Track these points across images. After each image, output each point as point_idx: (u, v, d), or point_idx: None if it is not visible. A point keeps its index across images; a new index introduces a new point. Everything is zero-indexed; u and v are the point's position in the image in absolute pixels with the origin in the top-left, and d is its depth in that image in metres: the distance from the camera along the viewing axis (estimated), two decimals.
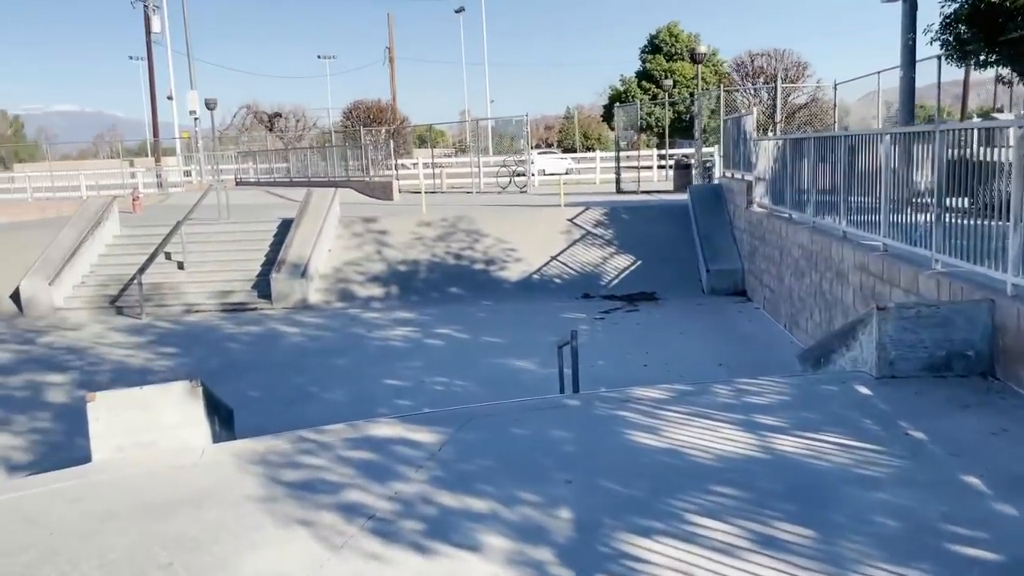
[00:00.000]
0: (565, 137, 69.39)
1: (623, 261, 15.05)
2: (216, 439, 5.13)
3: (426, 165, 32.24)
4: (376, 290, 15.03)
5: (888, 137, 7.48)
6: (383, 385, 9.45)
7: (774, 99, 20.12)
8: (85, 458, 7.14)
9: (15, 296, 14.79)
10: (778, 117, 18.48)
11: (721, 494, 3.84)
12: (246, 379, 9.96)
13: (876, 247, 7.71)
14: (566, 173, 36.77)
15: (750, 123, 13.55)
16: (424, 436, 4.82)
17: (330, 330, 12.70)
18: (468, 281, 14.98)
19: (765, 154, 12.43)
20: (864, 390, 5.28)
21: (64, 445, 7.79)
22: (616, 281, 14.55)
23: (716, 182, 17.65)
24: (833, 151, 9.10)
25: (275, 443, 4.85)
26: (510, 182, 26.18)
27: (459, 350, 11.08)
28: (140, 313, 14.18)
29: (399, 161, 30.82)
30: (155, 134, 40.70)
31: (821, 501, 3.75)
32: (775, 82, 21.36)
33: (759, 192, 12.98)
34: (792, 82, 27.19)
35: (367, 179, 26.86)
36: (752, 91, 27.29)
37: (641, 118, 26.41)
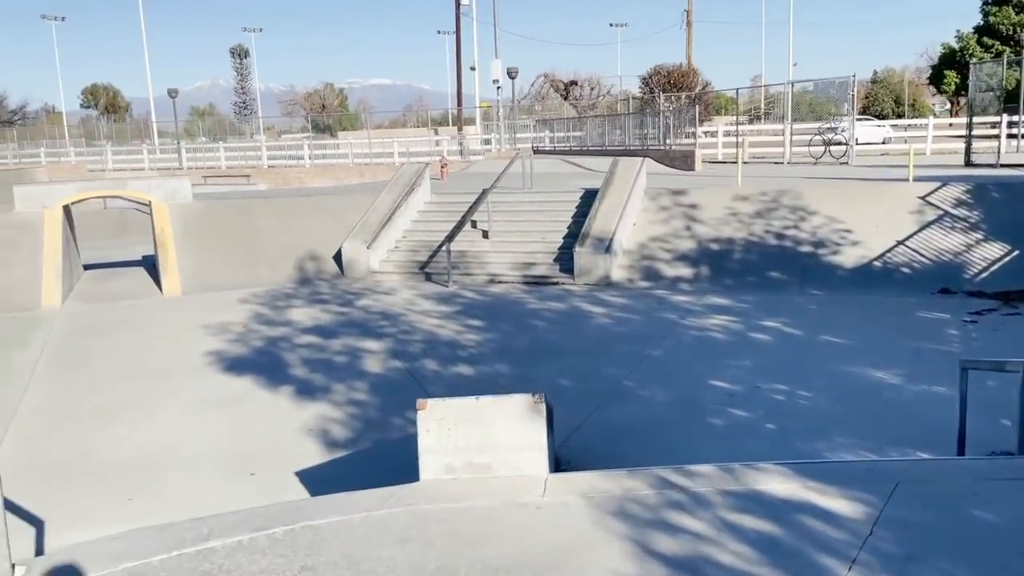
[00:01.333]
0: (873, 103, 62.62)
1: (993, 250, 12.29)
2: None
3: (727, 133, 30.15)
4: (684, 270, 13.72)
5: None
6: (709, 387, 8.17)
7: None
8: (402, 447, 6.69)
9: (337, 257, 15.52)
10: None
11: None
12: (555, 364, 9.22)
13: None
14: (883, 142, 32.57)
15: None
16: (838, 504, 3.48)
17: (637, 313, 11.65)
18: (791, 265, 13.13)
19: None
20: None
21: (379, 424, 7.50)
22: (984, 275, 11.90)
23: None
24: None
25: (631, 484, 3.79)
26: (824, 152, 23.41)
27: (793, 349, 9.46)
28: (447, 281, 14.17)
29: (698, 129, 29.04)
30: (459, 103, 42.47)
31: None
32: None
33: None
34: None
35: (666, 148, 25.48)
36: None
37: (983, 79, 21.94)
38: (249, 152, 41.36)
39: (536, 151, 34.82)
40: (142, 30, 57.38)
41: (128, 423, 7.64)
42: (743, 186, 15.61)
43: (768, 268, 13.22)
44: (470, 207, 15.97)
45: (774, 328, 10.35)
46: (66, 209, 14.63)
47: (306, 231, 15.97)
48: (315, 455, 6.82)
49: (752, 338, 9.99)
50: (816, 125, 25.95)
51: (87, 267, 15.96)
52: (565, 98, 46.86)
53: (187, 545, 3.35)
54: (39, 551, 5.22)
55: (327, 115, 62.63)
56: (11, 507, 5.72)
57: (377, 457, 6.75)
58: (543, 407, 3.92)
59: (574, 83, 48.37)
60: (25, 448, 7.05)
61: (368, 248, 15.27)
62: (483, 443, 3.92)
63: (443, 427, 3.93)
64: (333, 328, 11.33)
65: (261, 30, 79.26)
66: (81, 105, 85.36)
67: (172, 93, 40.59)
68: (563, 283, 13.84)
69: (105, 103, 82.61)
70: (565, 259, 14.30)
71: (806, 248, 13.39)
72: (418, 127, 60.51)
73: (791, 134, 24.90)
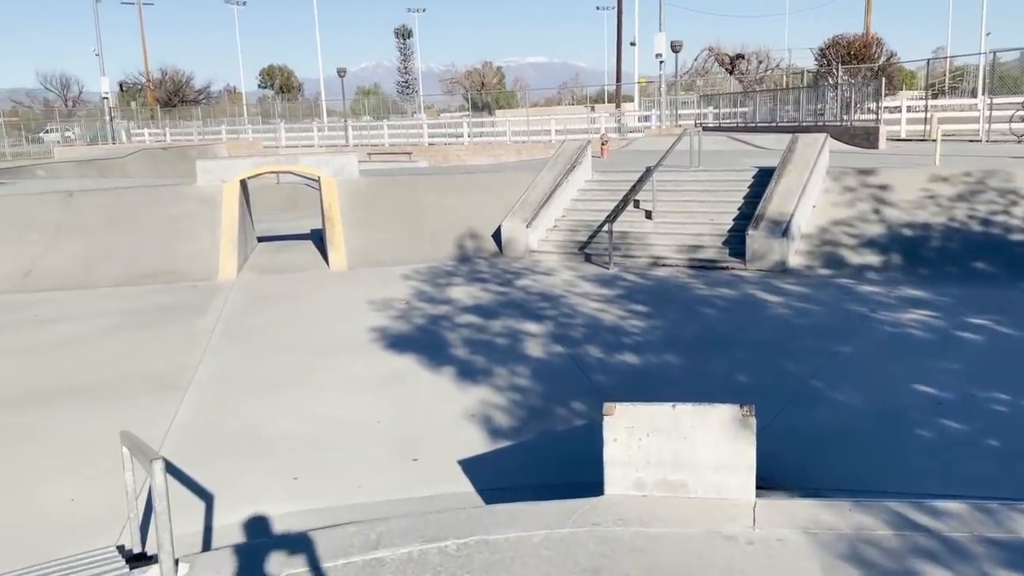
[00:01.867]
0: None
1: None
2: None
3: (911, 109, 27.68)
4: (871, 257, 12.48)
5: None
6: (911, 392, 7.21)
7: None
8: (568, 441, 6.27)
9: (496, 235, 15.32)
10: None
11: None
12: (729, 357, 8.49)
13: None
14: None
15: None
16: None
17: (819, 303, 10.65)
18: (1001, 255, 11.63)
19: None
20: None
21: (543, 413, 7.11)
22: None
23: None
24: None
25: (863, 520, 3.15)
26: None
27: (1012, 352, 8.25)
28: (608, 263, 13.63)
29: (881, 104, 26.78)
30: (618, 79, 41.50)
31: None
32: None
33: None
34: None
35: (845, 124, 23.62)
36: None
37: None
38: (411, 130, 42.32)
39: (701, 128, 33.41)
40: (314, 13, 59.99)
41: (295, 397, 7.67)
42: (941, 166, 14.04)
43: (972, 258, 11.79)
44: (632, 186, 15.34)
45: (985, 327, 9.11)
46: (243, 183, 15.23)
47: (466, 208, 15.87)
48: (477, 443, 6.52)
49: (959, 337, 8.83)
50: (1018, 100, 23.30)
51: (260, 239, 16.62)
52: (730, 72, 44.72)
53: (354, 553, 3.05)
54: (207, 527, 5.20)
55: (485, 93, 63.28)
56: (184, 479, 5.77)
57: (541, 450, 6.38)
58: (753, 421, 3.34)
59: (740, 56, 46.06)
60: (198, 418, 7.19)
61: (527, 227, 14.96)
62: (679, 458, 3.40)
63: (633, 437, 3.44)
64: (493, 308, 11.09)
65: (424, 10, 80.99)
66: (258, 85, 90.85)
67: (341, 72, 42.11)
68: (733, 268, 12.96)
69: (280, 83, 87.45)
70: (735, 242, 13.40)
71: (1019, 236, 11.82)
72: (573, 105, 59.98)
73: (990, 109, 22.44)
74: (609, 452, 3.49)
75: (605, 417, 3.48)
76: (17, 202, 14.89)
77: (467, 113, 53.15)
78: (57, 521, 5.30)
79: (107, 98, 47.75)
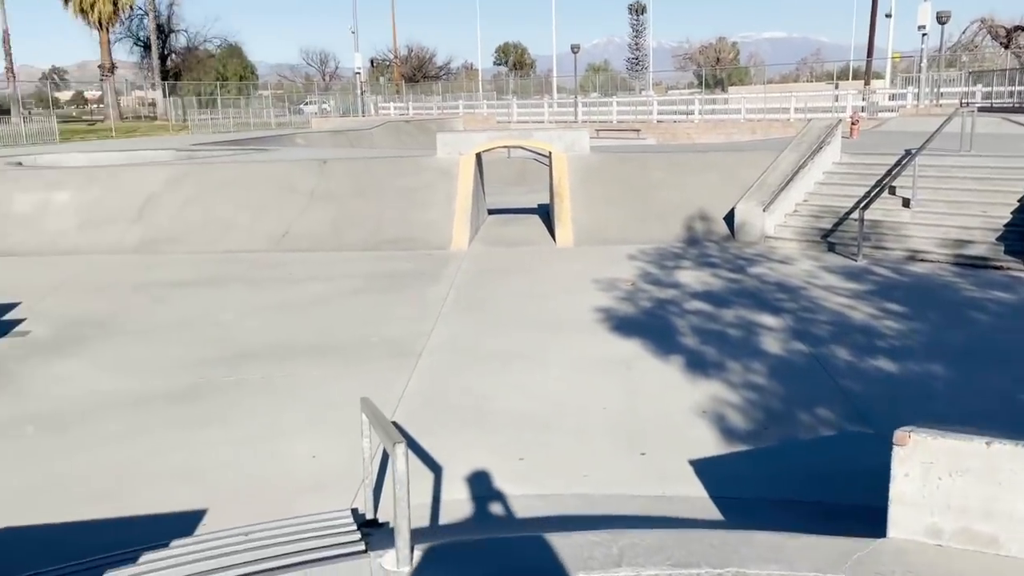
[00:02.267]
0: None
1: None
2: None
3: None
4: None
5: None
6: None
7: None
8: (814, 453, 5.65)
9: (728, 218, 14.50)
10: None
11: None
12: (1008, 373, 7.33)
13: None
14: None
15: None
16: None
17: None
18: None
19: None
20: None
21: (783, 417, 6.49)
22: None
23: None
24: None
25: None
26: None
27: None
28: (856, 254, 12.41)
29: None
30: (869, 53, 38.12)
31: None
32: None
33: None
34: None
35: None
36: None
37: None
38: (639, 107, 41.61)
39: (966, 108, 29.82)
40: None
41: (521, 373, 7.60)
42: None
43: None
44: (888, 170, 13.91)
45: None
46: (478, 156, 15.54)
47: (696, 188, 15.16)
48: (709, 443, 6.07)
49: None
50: None
51: (490, 211, 16.95)
52: (1006, 46, 39.50)
53: (595, 566, 2.78)
54: (435, 499, 5.21)
55: (720, 70, 60.89)
56: (413, 448, 5.84)
57: (783, 460, 5.80)
58: None
59: (1019, 28, 40.46)
60: (429, 387, 7.32)
61: (764, 211, 14.00)
62: (991, 507, 2.79)
63: (930, 474, 2.87)
64: (724, 296, 10.45)
65: None
66: (494, 62, 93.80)
67: (574, 49, 42.15)
68: (1009, 268, 11.32)
69: (514, 60, 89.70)
70: (1013, 239, 11.70)
71: None
72: (811, 81, 55.99)
73: None
74: (897, 489, 2.93)
75: (896, 447, 2.93)
76: (279, 168, 16.21)
77: (697, 90, 51.38)
78: (298, 476, 5.55)
79: (359, 73, 51.24)
